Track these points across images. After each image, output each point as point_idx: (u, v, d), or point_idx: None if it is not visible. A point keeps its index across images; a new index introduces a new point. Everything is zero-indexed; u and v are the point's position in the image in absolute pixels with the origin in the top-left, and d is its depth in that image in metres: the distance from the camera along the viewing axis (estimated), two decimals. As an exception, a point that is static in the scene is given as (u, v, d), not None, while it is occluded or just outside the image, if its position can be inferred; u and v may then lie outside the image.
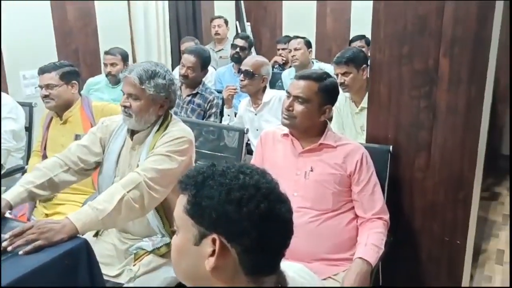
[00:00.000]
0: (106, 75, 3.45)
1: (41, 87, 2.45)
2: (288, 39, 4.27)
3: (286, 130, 1.91)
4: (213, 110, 3.04)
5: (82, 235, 1.56)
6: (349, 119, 2.83)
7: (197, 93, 3.08)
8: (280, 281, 0.90)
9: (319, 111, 1.82)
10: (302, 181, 1.82)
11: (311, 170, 1.82)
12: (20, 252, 1.39)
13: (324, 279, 1.72)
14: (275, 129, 2.00)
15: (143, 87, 1.78)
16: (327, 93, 1.82)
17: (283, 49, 4.67)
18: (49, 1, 3.97)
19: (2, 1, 3.50)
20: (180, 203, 0.89)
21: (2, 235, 1.43)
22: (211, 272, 0.84)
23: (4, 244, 1.40)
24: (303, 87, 1.80)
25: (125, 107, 1.80)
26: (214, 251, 0.83)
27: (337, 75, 2.82)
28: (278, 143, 1.94)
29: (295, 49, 3.70)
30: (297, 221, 1.75)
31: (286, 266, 1.05)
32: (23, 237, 1.43)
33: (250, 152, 2.70)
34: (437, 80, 1.84)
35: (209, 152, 2.47)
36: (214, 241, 0.83)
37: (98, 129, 1.96)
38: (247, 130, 2.30)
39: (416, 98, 1.90)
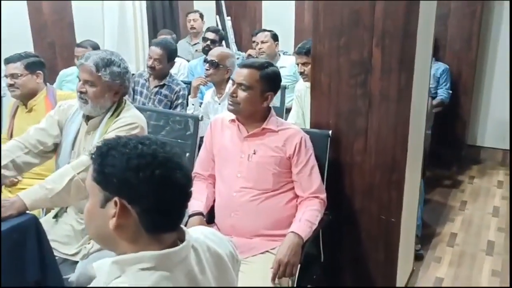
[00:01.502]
0: (78, 66, 3.53)
1: (6, 76, 2.56)
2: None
3: (233, 116, 2.03)
4: (180, 100, 3.16)
5: (31, 211, 1.67)
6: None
7: (164, 84, 3.19)
8: (179, 237, 1.02)
9: (261, 98, 1.94)
10: (246, 163, 1.94)
11: (254, 153, 1.94)
12: None
13: (263, 252, 1.85)
14: (224, 115, 2.11)
15: (99, 74, 1.89)
16: (268, 80, 1.94)
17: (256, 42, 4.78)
18: (25, 1, 4.07)
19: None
20: (89, 172, 1.00)
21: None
22: (114, 230, 0.95)
23: (-44, 219, 1.52)
24: (245, 74, 1.92)
25: (81, 92, 1.90)
26: (116, 212, 0.94)
27: (298, 64, 2.96)
28: (226, 129, 2.05)
29: (262, 42, 3.82)
30: (239, 200, 1.91)
31: (197, 229, 1.18)
32: None
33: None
34: (371, 69, 1.97)
35: (173, 139, 2.59)
36: (116, 203, 0.94)
37: (56, 112, 2.05)
38: (202, 117, 2.42)
39: (353, 87, 2.03)
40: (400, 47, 1.89)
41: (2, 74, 2.63)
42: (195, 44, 4.89)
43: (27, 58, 2.59)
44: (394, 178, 2.02)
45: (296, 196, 1.96)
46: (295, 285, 1.82)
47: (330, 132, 2.10)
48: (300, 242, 1.78)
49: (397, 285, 2.24)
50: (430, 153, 3.18)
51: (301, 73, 2.97)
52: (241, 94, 1.92)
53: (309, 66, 2.80)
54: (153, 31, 5.08)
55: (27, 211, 1.66)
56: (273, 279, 1.73)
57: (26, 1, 4.08)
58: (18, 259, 1.57)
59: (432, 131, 3.28)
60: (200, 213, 1.92)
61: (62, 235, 2.03)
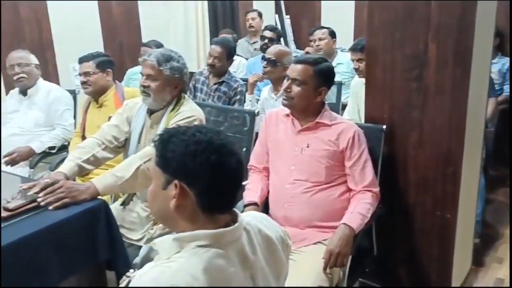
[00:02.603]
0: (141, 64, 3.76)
1: (80, 74, 2.79)
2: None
3: (287, 110, 2.09)
4: (238, 97, 3.28)
5: (103, 196, 1.83)
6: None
7: (223, 81, 3.32)
8: (233, 219, 1.10)
9: (315, 92, 1.99)
10: (299, 156, 2.00)
11: (307, 146, 2.00)
12: (50, 207, 1.69)
13: (314, 243, 1.91)
14: (278, 110, 2.19)
15: (161, 68, 2.03)
16: (321, 75, 1.99)
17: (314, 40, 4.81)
18: (97, 1, 4.37)
19: (49, 1, 3.90)
20: (152, 158, 1.11)
21: (35, 193, 1.73)
22: (174, 210, 1.06)
23: (38, 199, 1.70)
24: (299, 70, 1.98)
25: (144, 86, 2.05)
26: (176, 194, 1.05)
27: (353, 61, 2.99)
28: (281, 123, 2.12)
29: (320, 39, 3.85)
30: (292, 192, 1.98)
31: (250, 213, 1.26)
32: (53, 194, 1.72)
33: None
34: (426, 63, 1.96)
35: (232, 135, 2.70)
36: (176, 185, 1.04)
37: (124, 110, 2.23)
38: (258, 112, 2.50)
39: (408, 81, 2.03)
40: (456, 41, 1.87)
41: (76, 73, 2.88)
42: (254, 42, 4.99)
43: (98, 57, 2.81)
44: (449, 172, 2.00)
45: (349, 190, 1.99)
46: (346, 277, 1.86)
47: (384, 126, 2.11)
48: (351, 233, 1.82)
49: (453, 283, 2.21)
50: (494, 151, 3.08)
51: (356, 69, 2.99)
52: (295, 89, 1.98)
53: (364, 63, 2.83)
54: (215, 31, 5.25)
55: (99, 196, 1.82)
56: (325, 269, 1.78)
57: (97, 4, 4.37)
58: (90, 239, 1.73)
59: (498, 129, 3.17)
60: (255, 203, 2.01)
61: (129, 222, 2.19)
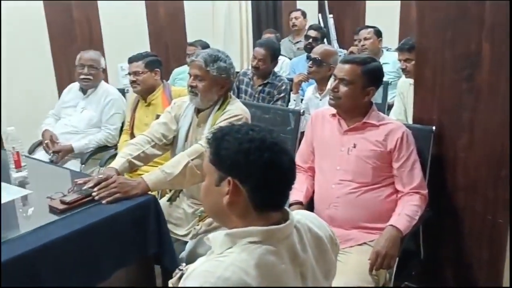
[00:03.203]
0: (188, 64, 3.83)
1: (129, 74, 2.88)
2: (366, 28, 4.36)
3: (334, 110, 2.09)
4: (282, 94, 3.29)
5: (153, 191, 1.89)
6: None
7: (268, 82, 3.34)
8: (283, 217, 1.11)
9: (363, 92, 1.97)
10: (345, 157, 1.99)
11: (354, 147, 1.99)
12: (104, 202, 1.75)
13: (360, 244, 1.90)
14: (324, 109, 2.18)
15: (208, 69, 2.07)
16: (370, 75, 1.97)
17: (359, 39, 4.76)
18: (144, 1, 4.49)
19: (101, 1, 4.04)
20: (206, 154, 1.14)
21: (89, 187, 1.80)
22: (227, 206, 1.08)
23: (93, 194, 1.77)
24: (347, 70, 1.97)
25: (191, 87, 2.10)
26: (229, 190, 1.07)
27: (400, 61, 2.94)
28: (327, 122, 2.12)
29: (365, 39, 3.81)
30: (338, 192, 1.97)
31: (299, 211, 1.27)
32: (107, 189, 1.79)
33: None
34: (479, 63, 1.91)
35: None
36: (229, 182, 1.06)
37: (172, 109, 2.29)
38: (303, 112, 2.51)
39: (459, 81, 1.98)
40: (512, 40, 1.81)
41: (124, 72, 2.96)
42: (297, 42, 4.99)
43: (147, 57, 2.89)
44: (502, 175, 1.94)
45: (396, 191, 1.97)
46: (392, 279, 1.84)
47: (434, 127, 2.06)
48: (398, 235, 1.79)
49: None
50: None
51: (403, 70, 2.94)
52: (342, 89, 1.97)
53: (412, 63, 2.78)
54: (258, 31, 5.29)
55: (149, 192, 1.87)
56: (370, 270, 1.76)
57: (145, 5, 4.49)
58: (140, 233, 1.79)
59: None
60: (300, 202, 2.01)
61: (175, 217, 2.25)
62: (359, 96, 1.98)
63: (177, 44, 4.76)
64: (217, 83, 2.09)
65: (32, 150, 3.11)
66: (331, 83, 2.08)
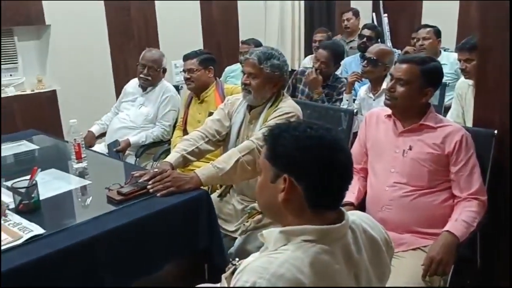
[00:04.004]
0: (241, 62, 3.87)
1: (184, 71, 2.94)
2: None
3: (389, 111, 2.04)
4: (340, 96, 3.25)
5: (205, 187, 1.92)
6: (471, 107, 2.80)
7: (327, 84, 3.29)
8: (338, 217, 1.10)
9: (420, 93, 1.91)
10: (400, 159, 1.94)
11: (410, 149, 1.93)
12: (158, 194, 1.80)
13: (413, 249, 1.84)
14: (379, 110, 2.14)
15: (261, 66, 2.08)
16: (428, 76, 1.91)
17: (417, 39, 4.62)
18: (198, 1, 4.58)
19: (159, 1, 4.16)
20: (262, 151, 1.15)
21: (145, 180, 1.85)
22: (282, 203, 1.08)
23: (148, 187, 1.82)
24: (404, 69, 1.92)
25: (245, 84, 2.12)
26: (284, 187, 1.07)
27: (460, 61, 2.83)
28: (382, 123, 2.07)
29: (424, 38, 3.69)
30: (391, 195, 1.93)
31: (354, 212, 1.25)
32: (161, 183, 1.83)
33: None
34: (547, 64, 1.81)
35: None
36: (285, 180, 1.06)
37: (226, 106, 2.31)
38: (357, 112, 2.46)
39: (525, 82, 1.88)
40: None
41: (177, 70, 3.02)
42: (350, 41, 4.92)
43: (201, 55, 2.94)
44: None
45: (453, 196, 1.89)
46: (447, 287, 1.77)
47: (495, 131, 1.97)
48: (455, 241, 1.73)
49: None
50: None
51: (463, 70, 2.83)
52: (399, 89, 1.92)
53: (472, 63, 2.67)
54: (310, 30, 5.25)
55: (201, 187, 1.90)
56: (424, 276, 1.71)
57: (199, 4, 4.58)
58: (191, 226, 1.83)
59: None
60: (351, 204, 1.98)
61: (225, 213, 2.27)
62: (416, 97, 1.92)
63: (229, 42, 4.82)
64: (270, 80, 2.10)
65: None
66: (387, 83, 2.03)
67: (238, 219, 2.25)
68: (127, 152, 3.05)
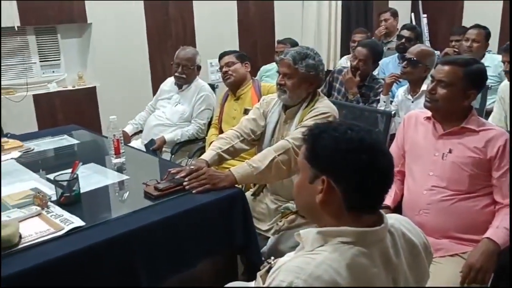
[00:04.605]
0: (276, 62, 3.87)
1: (221, 67, 2.97)
2: (463, 29, 4.13)
3: (429, 113, 1.99)
4: (377, 97, 3.19)
5: (239, 185, 1.93)
6: (515, 111, 2.71)
7: (364, 84, 3.25)
8: (377, 220, 1.08)
9: (462, 96, 1.86)
10: (440, 162, 1.89)
11: (450, 152, 1.88)
12: (194, 191, 1.82)
13: (451, 255, 1.79)
14: (418, 112, 2.09)
15: (296, 66, 2.08)
16: (471, 78, 1.85)
17: (456, 40, 4.50)
18: (236, 1, 4.61)
19: (196, 1, 4.21)
20: (301, 151, 1.13)
21: (181, 177, 1.87)
22: (320, 205, 1.07)
23: (184, 183, 1.84)
24: (446, 71, 1.87)
25: (280, 85, 2.12)
26: (322, 189, 1.05)
27: (504, 63, 2.75)
28: (420, 125, 2.03)
29: (474, 40, 3.58)
30: (429, 199, 1.89)
31: (392, 215, 1.23)
32: (197, 180, 1.85)
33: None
34: None
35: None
36: (323, 181, 1.05)
37: (261, 105, 2.32)
38: (395, 113, 2.42)
39: None
40: None
41: (213, 68, 3.06)
42: (388, 42, 4.84)
43: (237, 52, 3.01)
44: None
45: (494, 202, 1.83)
46: (486, 296, 1.72)
47: (542, 136, 1.89)
48: (496, 249, 1.67)
49: None
50: None
51: (506, 72, 2.73)
52: (440, 91, 1.88)
53: (516, 65, 2.58)
54: (347, 31, 5.20)
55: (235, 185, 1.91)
56: (462, 283, 1.67)
57: (236, 4, 4.60)
58: (227, 225, 1.83)
59: None
60: (388, 207, 1.95)
61: (258, 212, 2.28)
62: (458, 99, 1.87)
63: (265, 42, 4.83)
64: (305, 80, 2.09)
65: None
66: (428, 85, 1.99)
67: (271, 218, 2.25)
68: (163, 149, 3.10)
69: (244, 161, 2.04)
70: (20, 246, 1.40)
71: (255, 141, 2.28)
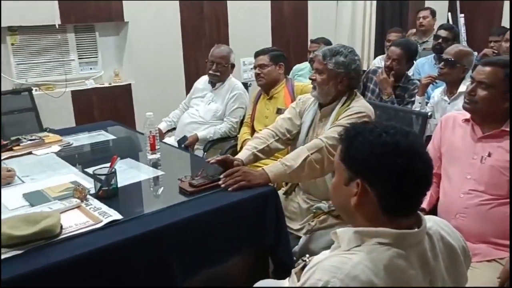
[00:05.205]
0: (309, 61, 3.87)
1: (255, 67, 2.98)
2: (503, 30, 4.01)
3: (467, 115, 1.95)
4: (412, 99, 3.14)
5: (273, 183, 1.93)
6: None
7: (399, 85, 3.19)
8: (415, 222, 1.07)
9: (503, 98, 1.81)
10: (477, 165, 1.85)
11: (489, 155, 1.83)
12: (230, 189, 1.82)
13: (488, 260, 1.75)
14: (456, 113, 2.05)
15: (325, 62, 2.08)
16: (514, 80, 1.80)
17: (495, 41, 4.38)
18: (269, 0, 4.62)
19: (231, 0, 4.23)
20: (337, 151, 1.13)
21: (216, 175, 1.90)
22: (354, 207, 1.06)
23: (220, 182, 1.85)
24: (488, 73, 1.82)
25: (311, 79, 2.15)
26: (357, 192, 1.05)
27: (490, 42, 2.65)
28: (458, 128, 1.99)
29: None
30: (467, 202, 1.86)
31: (430, 218, 1.21)
32: (232, 177, 1.86)
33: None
34: None
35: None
36: (358, 184, 1.04)
37: (297, 105, 2.32)
38: (431, 115, 2.37)
39: None
40: None
41: (246, 67, 3.06)
42: (423, 42, 4.74)
43: (273, 51, 2.99)
44: None
45: (536, 208, 1.78)
46: (525, 304, 1.67)
47: None
48: (537, 257, 1.63)
49: None
50: None
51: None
52: (481, 93, 1.83)
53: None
54: (381, 30, 5.14)
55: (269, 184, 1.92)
56: (499, 290, 1.63)
57: (270, 4, 4.62)
58: (258, 222, 1.84)
59: None
60: (423, 209, 1.92)
61: (290, 211, 2.27)
62: (499, 102, 1.82)
63: (298, 41, 4.82)
64: (334, 77, 2.09)
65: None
66: (467, 86, 1.94)
67: (302, 217, 2.25)
68: (195, 146, 3.14)
69: (277, 160, 2.04)
70: (61, 237, 1.44)
71: (290, 140, 2.27)
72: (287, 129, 2.23)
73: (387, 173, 1.01)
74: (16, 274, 1.28)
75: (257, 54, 3.01)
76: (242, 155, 2.08)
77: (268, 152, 2.19)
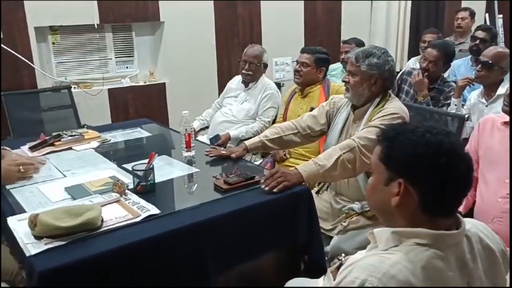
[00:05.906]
0: (341, 62, 3.86)
1: (297, 62, 2.99)
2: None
3: (506, 118, 1.92)
4: (448, 101, 3.09)
5: (306, 183, 1.94)
6: None
7: (434, 87, 3.15)
8: (454, 223, 1.06)
9: (545, 101, 1.78)
10: (517, 170, 1.82)
11: (528, 160, 1.80)
12: (275, 190, 1.80)
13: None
14: (495, 116, 2.02)
15: (358, 64, 2.08)
16: (556, 82, 1.77)
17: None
18: (303, 1, 4.62)
19: (264, 1, 4.26)
20: (376, 152, 1.12)
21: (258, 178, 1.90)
22: (395, 207, 1.06)
23: (261, 186, 1.83)
24: (529, 75, 1.79)
25: (344, 82, 2.15)
26: (399, 192, 1.04)
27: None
28: (497, 131, 1.96)
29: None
30: (504, 207, 1.83)
31: (469, 220, 1.20)
32: (273, 179, 1.84)
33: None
34: None
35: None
36: (399, 184, 1.04)
37: (328, 104, 2.32)
38: (468, 117, 2.33)
39: None
40: None
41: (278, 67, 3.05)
42: (460, 43, 4.64)
43: (319, 53, 2.99)
44: None
45: None
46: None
47: None
48: None
49: None
50: None
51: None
52: (521, 95, 1.80)
53: None
54: (415, 31, 5.06)
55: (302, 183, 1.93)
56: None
57: (303, 4, 4.62)
58: (292, 220, 1.85)
59: None
60: (459, 212, 1.88)
61: (321, 211, 2.27)
62: (540, 105, 1.79)
63: (331, 41, 4.80)
64: (368, 79, 2.08)
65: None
66: (506, 89, 1.91)
67: (334, 217, 2.25)
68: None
69: (310, 159, 2.05)
70: (102, 229, 1.49)
71: (312, 137, 2.33)
72: (308, 125, 2.28)
73: (430, 173, 1.01)
74: (58, 264, 1.33)
75: (303, 51, 3.02)
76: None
77: (280, 144, 2.27)
